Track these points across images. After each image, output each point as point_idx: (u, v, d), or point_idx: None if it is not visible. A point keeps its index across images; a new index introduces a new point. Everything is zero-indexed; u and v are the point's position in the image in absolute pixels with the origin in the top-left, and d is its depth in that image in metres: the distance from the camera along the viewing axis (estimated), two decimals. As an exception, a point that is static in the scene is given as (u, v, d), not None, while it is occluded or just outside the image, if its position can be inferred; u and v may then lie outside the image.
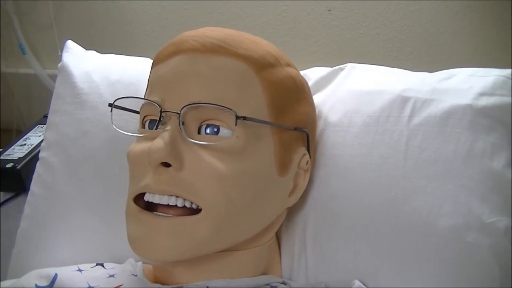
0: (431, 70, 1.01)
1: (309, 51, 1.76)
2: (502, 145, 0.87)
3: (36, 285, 0.84)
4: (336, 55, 1.71)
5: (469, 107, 0.88)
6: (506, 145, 0.87)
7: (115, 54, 1.24)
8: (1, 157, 1.24)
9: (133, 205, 0.77)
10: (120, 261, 0.92)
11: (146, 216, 0.75)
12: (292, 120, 0.82)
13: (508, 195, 0.84)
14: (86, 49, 1.24)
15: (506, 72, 0.93)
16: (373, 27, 1.68)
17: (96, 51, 1.26)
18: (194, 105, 0.74)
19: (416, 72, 1.01)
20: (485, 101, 0.88)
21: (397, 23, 1.66)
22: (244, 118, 0.74)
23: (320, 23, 1.73)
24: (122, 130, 0.82)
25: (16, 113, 2.06)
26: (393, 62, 1.66)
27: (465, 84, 0.92)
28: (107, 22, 1.91)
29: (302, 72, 1.05)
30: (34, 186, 1.08)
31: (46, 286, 0.84)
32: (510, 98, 0.90)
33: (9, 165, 1.20)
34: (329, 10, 1.70)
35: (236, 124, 0.73)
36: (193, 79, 0.76)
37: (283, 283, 0.87)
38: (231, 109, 0.73)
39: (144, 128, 0.81)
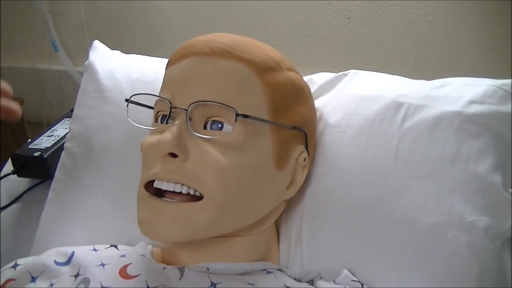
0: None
1: (328, 57, 1.81)
2: (487, 151, 0.92)
3: (55, 261, 0.93)
4: (354, 62, 1.76)
5: (458, 114, 0.94)
6: (491, 151, 0.93)
7: (143, 54, 1.31)
8: (30, 147, 1.30)
9: (144, 191, 0.85)
10: (132, 244, 0.99)
11: (154, 201, 0.82)
12: (290, 120, 0.89)
13: (490, 197, 0.90)
14: (112, 49, 1.32)
15: (497, 82, 0.99)
16: (391, 36, 1.72)
17: (124, 50, 1.33)
18: (200, 103, 0.81)
19: (414, 80, 1.07)
20: (474, 109, 0.94)
21: (414, 33, 1.70)
22: (244, 116, 0.81)
23: (339, 31, 1.77)
24: (141, 125, 0.90)
25: (47, 107, 2.14)
26: (410, 70, 1.71)
27: (457, 92, 0.98)
28: (136, 23, 1.98)
29: (308, 77, 1.12)
30: (58, 174, 1.17)
31: (64, 262, 0.93)
32: (498, 106, 0.95)
33: (36, 154, 1.27)
34: (349, 18, 1.75)
35: (236, 121, 0.80)
36: (200, 79, 0.84)
37: (279, 269, 0.94)
38: (232, 107, 0.80)
39: (157, 122, 0.89)
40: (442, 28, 1.66)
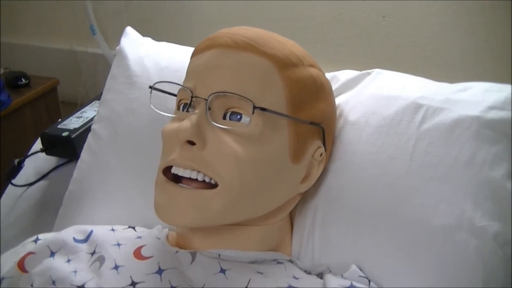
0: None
1: (362, 55, 1.81)
2: (503, 157, 0.92)
3: (74, 238, 0.96)
4: (387, 61, 1.76)
5: (476, 119, 0.94)
6: (508, 157, 0.93)
7: (177, 41, 1.34)
8: (59, 126, 1.35)
9: (162, 176, 0.87)
10: (150, 227, 1.02)
11: (171, 186, 0.85)
12: (309, 115, 0.91)
13: (503, 203, 0.90)
14: (145, 36, 1.35)
15: None
16: (425, 37, 1.72)
17: (160, 37, 1.36)
18: (220, 94, 0.84)
19: (436, 82, 1.08)
20: (493, 114, 0.94)
21: (449, 35, 1.69)
22: (262, 109, 0.83)
23: (373, 29, 1.77)
24: (166, 111, 0.93)
25: (82, 88, 2.19)
26: (442, 72, 1.70)
27: (478, 97, 0.98)
28: (173, 10, 2.01)
29: (332, 73, 1.14)
30: (84, 154, 1.21)
31: (82, 239, 0.96)
32: None
33: (65, 134, 1.31)
34: (384, 17, 1.75)
35: (253, 113, 0.82)
36: (222, 71, 0.86)
37: (290, 261, 0.96)
38: (251, 100, 0.82)
39: (178, 110, 0.92)
40: (480, 33, 1.65)
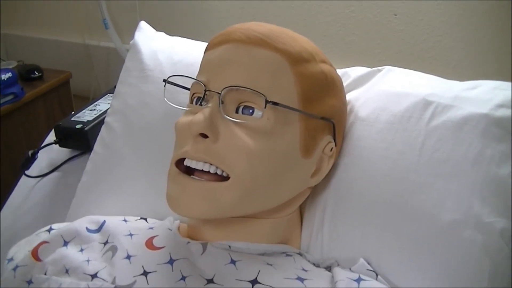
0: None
1: (372, 52, 1.82)
2: (510, 154, 0.93)
3: (86, 228, 0.98)
4: (397, 58, 1.77)
5: (485, 116, 0.95)
6: None
7: (191, 36, 1.35)
8: (73, 119, 1.37)
9: (174, 168, 0.89)
10: (161, 218, 1.04)
11: (183, 178, 0.87)
12: (319, 110, 0.92)
13: (509, 200, 0.91)
14: (158, 30, 1.36)
15: None
16: (435, 35, 1.72)
17: (173, 32, 1.38)
18: (233, 88, 0.85)
19: (446, 80, 1.08)
20: (501, 113, 0.95)
21: (459, 34, 1.69)
22: (274, 103, 0.84)
23: (384, 26, 1.78)
24: (179, 105, 0.94)
25: (94, 82, 2.20)
26: (452, 71, 1.71)
27: (487, 95, 0.99)
28: (186, 6, 2.02)
29: (343, 70, 1.15)
30: (97, 146, 1.23)
31: (95, 229, 0.98)
32: None
33: (78, 126, 1.33)
34: (395, 15, 1.75)
35: (265, 107, 0.84)
36: (235, 65, 0.87)
37: (299, 254, 0.97)
38: (263, 94, 0.84)
39: (192, 103, 0.93)
40: (489, 31, 1.65)
